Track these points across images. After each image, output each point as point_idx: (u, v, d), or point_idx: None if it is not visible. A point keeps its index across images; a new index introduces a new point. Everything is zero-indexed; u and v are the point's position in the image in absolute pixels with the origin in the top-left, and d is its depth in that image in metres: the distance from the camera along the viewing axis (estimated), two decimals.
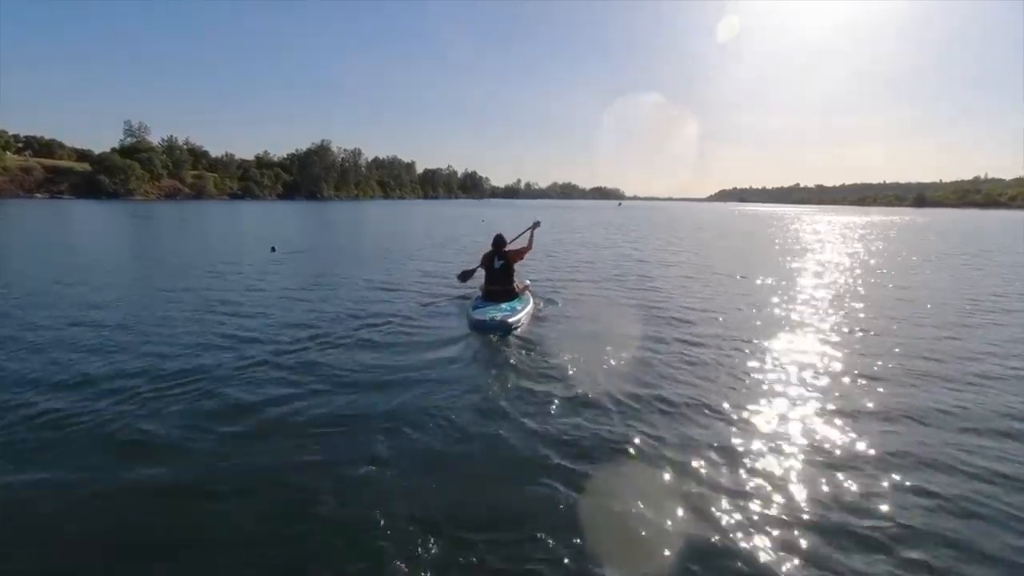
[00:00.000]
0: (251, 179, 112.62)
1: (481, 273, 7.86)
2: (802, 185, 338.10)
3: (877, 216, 66.95)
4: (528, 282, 8.60)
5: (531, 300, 7.71)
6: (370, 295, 8.86)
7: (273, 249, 15.41)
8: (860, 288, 10.57)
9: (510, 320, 6.53)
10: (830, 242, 23.52)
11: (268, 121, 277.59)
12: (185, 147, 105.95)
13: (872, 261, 15.77)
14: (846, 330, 7.13)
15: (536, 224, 8.76)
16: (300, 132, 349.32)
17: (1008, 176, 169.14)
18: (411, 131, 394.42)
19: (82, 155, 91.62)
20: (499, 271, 7.55)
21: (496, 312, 6.70)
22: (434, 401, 4.42)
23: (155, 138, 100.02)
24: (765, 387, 4.93)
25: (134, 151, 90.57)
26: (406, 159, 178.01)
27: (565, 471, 3.37)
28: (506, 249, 7.67)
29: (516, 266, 7.75)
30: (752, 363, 5.60)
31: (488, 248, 7.78)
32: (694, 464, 3.51)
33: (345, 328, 6.55)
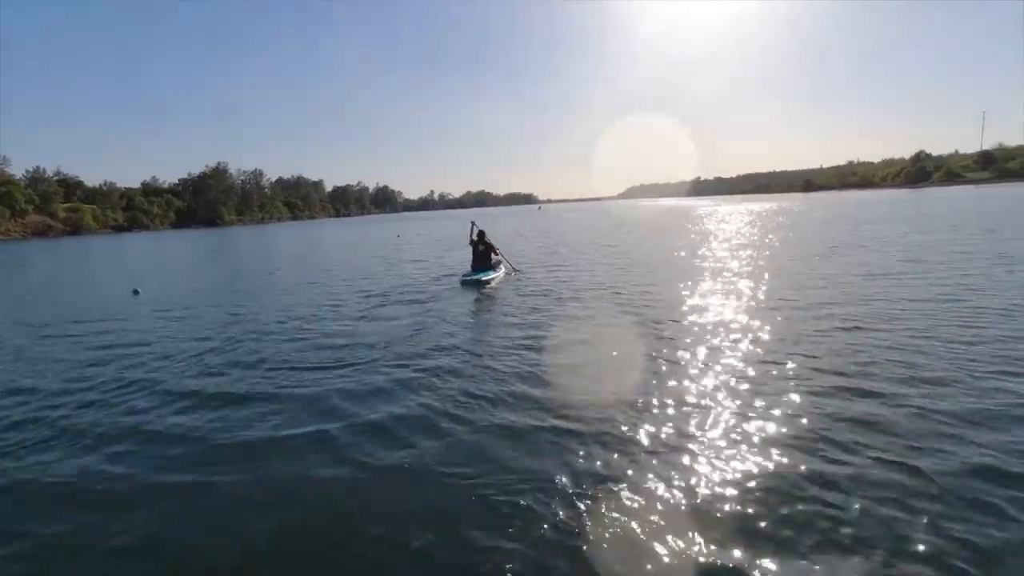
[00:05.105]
0: (138, 209, 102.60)
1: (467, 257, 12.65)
2: (703, 178, 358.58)
3: (786, 203, 69.17)
4: (501, 258, 12.68)
5: (502, 269, 12.41)
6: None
7: (136, 292, 12.58)
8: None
9: (483, 279, 11.09)
10: (741, 231, 23.53)
11: (157, 141, 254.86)
12: (55, 178, 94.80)
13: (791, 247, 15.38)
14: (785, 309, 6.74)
15: (518, 271, 12.90)
16: (193, 155, 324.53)
17: (876, 159, 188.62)
18: (316, 149, 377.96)
19: None
20: (481, 253, 12.00)
21: (476, 275, 11.32)
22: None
23: (18, 170, 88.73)
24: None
25: None
26: (313, 177, 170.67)
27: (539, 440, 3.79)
28: (487, 239, 12.15)
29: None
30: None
31: (474, 237, 12.07)
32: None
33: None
